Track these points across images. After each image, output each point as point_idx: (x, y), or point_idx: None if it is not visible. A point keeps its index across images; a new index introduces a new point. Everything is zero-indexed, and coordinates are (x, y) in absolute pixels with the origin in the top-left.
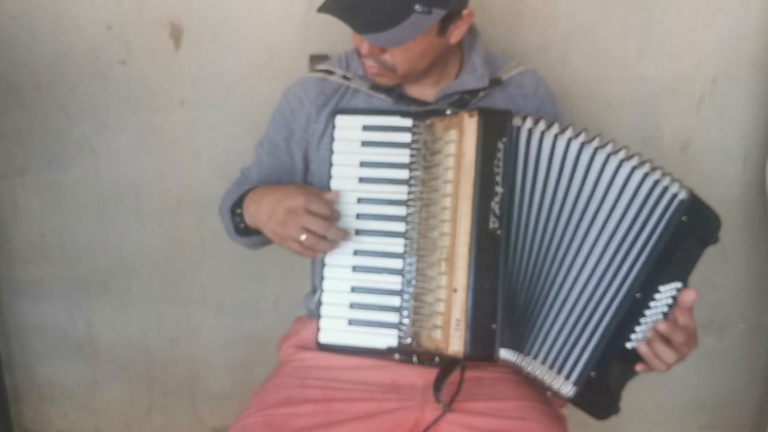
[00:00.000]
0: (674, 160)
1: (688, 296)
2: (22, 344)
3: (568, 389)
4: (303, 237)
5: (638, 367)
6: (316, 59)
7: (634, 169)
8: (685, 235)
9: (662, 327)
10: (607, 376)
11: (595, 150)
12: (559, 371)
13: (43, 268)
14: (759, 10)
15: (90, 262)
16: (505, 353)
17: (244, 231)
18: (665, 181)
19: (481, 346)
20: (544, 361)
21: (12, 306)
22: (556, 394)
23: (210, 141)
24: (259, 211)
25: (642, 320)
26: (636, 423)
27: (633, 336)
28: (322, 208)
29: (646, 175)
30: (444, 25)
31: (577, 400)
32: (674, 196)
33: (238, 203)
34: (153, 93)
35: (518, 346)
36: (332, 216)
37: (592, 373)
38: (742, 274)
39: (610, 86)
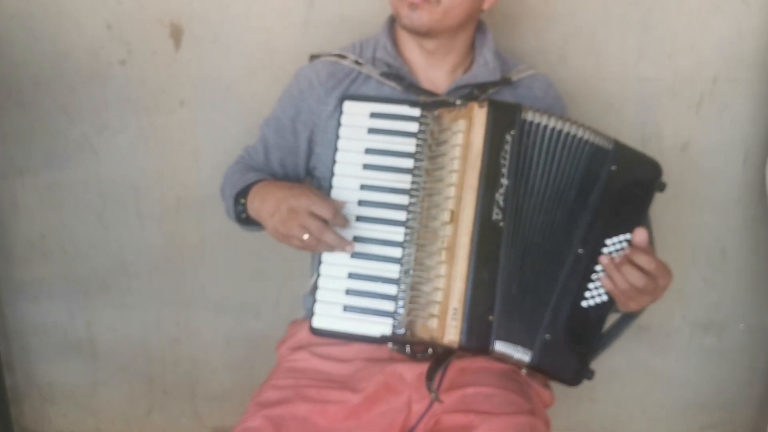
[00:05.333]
0: (674, 160)
1: (639, 235)
2: (22, 344)
3: (524, 356)
4: (305, 236)
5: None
6: (316, 59)
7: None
8: (621, 186)
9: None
10: (566, 337)
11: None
12: (519, 344)
13: (43, 268)
14: (759, 10)
15: (90, 262)
16: (500, 345)
17: (245, 221)
18: (586, 135)
19: (477, 337)
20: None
21: (12, 306)
22: (516, 364)
23: (210, 141)
24: (263, 207)
25: (594, 276)
26: (636, 423)
27: (588, 294)
28: (324, 211)
29: (573, 137)
30: None
31: (537, 365)
32: (593, 146)
33: (243, 192)
34: (153, 93)
35: (513, 339)
36: (335, 220)
37: (546, 336)
38: (742, 274)
39: (610, 86)
